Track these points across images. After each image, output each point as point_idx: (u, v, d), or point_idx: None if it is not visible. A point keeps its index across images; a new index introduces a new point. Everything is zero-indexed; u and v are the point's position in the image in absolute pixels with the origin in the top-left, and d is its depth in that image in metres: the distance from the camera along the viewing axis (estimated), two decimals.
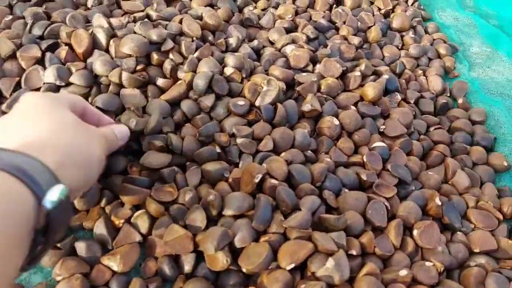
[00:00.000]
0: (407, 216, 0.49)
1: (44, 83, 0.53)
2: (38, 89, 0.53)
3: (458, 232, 0.50)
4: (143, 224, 0.46)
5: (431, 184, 0.55)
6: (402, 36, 0.78)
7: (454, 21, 0.87)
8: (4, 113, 0.51)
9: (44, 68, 0.54)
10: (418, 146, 0.58)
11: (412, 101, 0.65)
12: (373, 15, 0.79)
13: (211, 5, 0.72)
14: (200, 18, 0.66)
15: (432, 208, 0.51)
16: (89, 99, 0.53)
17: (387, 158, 0.55)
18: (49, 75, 0.53)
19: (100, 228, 0.45)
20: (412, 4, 0.86)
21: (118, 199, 0.47)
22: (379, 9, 0.82)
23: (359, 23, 0.76)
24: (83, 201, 0.46)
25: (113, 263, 0.43)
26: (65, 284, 0.41)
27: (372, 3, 0.83)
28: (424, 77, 0.71)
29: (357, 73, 0.63)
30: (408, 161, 0.56)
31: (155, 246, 0.45)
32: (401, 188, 0.53)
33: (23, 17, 0.60)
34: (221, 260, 0.43)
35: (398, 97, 0.64)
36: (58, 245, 0.43)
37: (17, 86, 0.53)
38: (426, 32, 0.81)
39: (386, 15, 0.81)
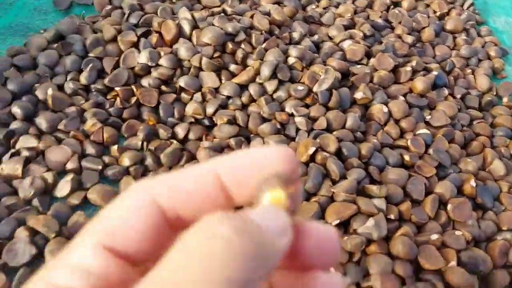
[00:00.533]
0: (443, 193, 0.55)
1: (138, 63, 0.64)
2: (132, 68, 0.64)
3: (489, 212, 0.56)
4: None
5: (469, 169, 0.60)
6: (454, 38, 0.82)
7: (507, 27, 0.90)
8: (106, 87, 0.62)
9: (139, 51, 0.65)
10: (460, 136, 0.64)
11: (458, 96, 0.71)
12: (428, 17, 0.84)
13: (278, 3, 0.81)
14: (268, 14, 0.75)
15: (467, 188, 0.56)
16: (174, 79, 0.64)
17: (429, 144, 0.61)
18: (142, 56, 0.64)
19: None
20: (467, 8, 0.90)
21: (195, 159, 0.57)
22: (435, 12, 0.87)
23: (414, 23, 0.81)
24: (167, 159, 0.56)
25: None
26: None
27: (428, 5, 0.89)
28: (472, 76, 0.75)
29: (408, 68, 0.70)
30: (449, 148, 0.62)
31: None
32: (440, 170, 0.59)
33: (121, 7, 0.72)
34: None
35: (446, 92, 0.70)
36: None
37: (117, 64, 0.64)
38: (479, 35, 0.85)
39: (441, 18, 0.86)
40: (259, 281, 0.12)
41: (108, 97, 0.63)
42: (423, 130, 0.62)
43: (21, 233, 0.47)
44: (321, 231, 0.15)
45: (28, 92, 0.59)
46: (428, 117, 0.65)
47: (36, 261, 0.47)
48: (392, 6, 0.86)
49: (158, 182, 0.15)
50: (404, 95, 0.67)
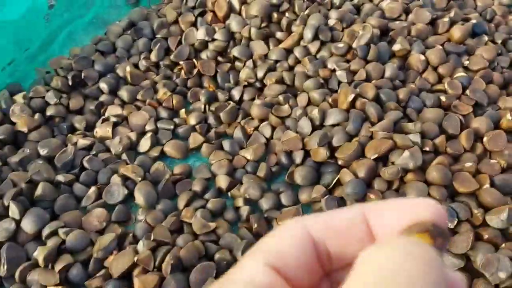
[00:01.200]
0: (478, 127, 0.59)
1: (197, 39, 0.74)
2: (192, 44, 0.74)
3: None
4: (266, 131, 0.64)
5: (507, 106, 0.63)
6: None
7: None
8: (172, 62, 0.73)
9: (197, 29, 0.75)
10: (499, 77, 0.67)
11: (499, 42, 0.73)
12: None
13: None
14: None
15: (504, 122, 0.60)
16: (228, 50, 0.73)
17: (467, 85, 0.65)
18: (200, 33, 0.74)
19: (237, 134, 0.64)
20: None
21: (249, 115, 0.66)
22: None
23: None
24: (226, 117, 0.66)
25: (248, 154, 0.62)
26: (217, 165, 0.61)
27: None
28: None
29: (446, 19, 0.73)
30: (487, 88, 0.65)
31: (275, 145, 0.63)
32: (477, 109, 0.63)
33: None
34: (322, 153, 0.58)
35: (485, 38, 0.72)
36: (212, 142, 0.63)
37: (179, 42, 0.75)
38: None
39: None
40: None
41: (175, 70, 0.74)
42: (461, 74, 0.66)
43: (115, 179, 0.59)
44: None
45: (111, 71, 0.72)
46: (466, 62, 0.69)
47: (128, 199, 0.59)
48: None
49: (314, 218, 0.17)
50: (442, 44, 0.70)
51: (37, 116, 0.65)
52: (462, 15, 0.75)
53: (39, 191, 0.56)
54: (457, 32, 0.70)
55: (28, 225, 0.54)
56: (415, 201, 0.16)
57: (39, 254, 0.52)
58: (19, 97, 0.67)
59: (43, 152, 0.61)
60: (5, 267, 0.51)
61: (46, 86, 0.69)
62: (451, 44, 0.70)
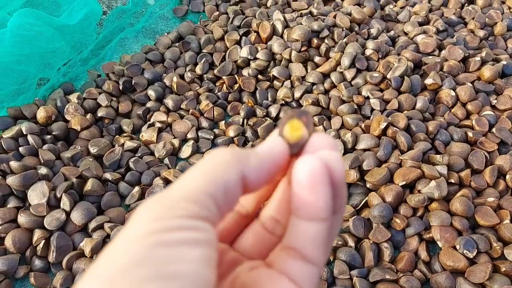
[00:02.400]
0: (502, 165, 0.63)
1: (240, 57, 0.79)
2: (235, 61, 0.79)
3: None
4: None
5: None
6: None
7: None
8: (216, 76, 0.78)
9: (241, 47, 0.80)
10: None
11: None
12: (502, 13, 0.90)
13: (359, 4, 0.92)
14: (350, 14, 0.86)
15: None
16: (268, 70, 0.78)
17: (493, 124, 0.69)
18: (243, 51, 0.79)
19: None
20: None
21: None
22: (509, 8, 0.92)
23: (487, 19, 0.88)
24: (263, 132, 0.70)
25: None
26: None
27: (503, 2, 0.94)
28: None
29: (477, 58, 0.77)
30: None
31: None
32: (502, 147, 0.66)
33: (226, 13, 0.88)
34: (352, 175, 0.62)
35: None
36: None
37: (223, 58, 0.80)
38: None
39: None
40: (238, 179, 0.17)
41: (217, 84, 0.78)
42: (488, 112, 0.70)
43: (158, 181, 0.64)
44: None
45: (159, 79, 0.77)
46: (494, 101, 0.72)
47: None
48: (466, 4, 0.92)
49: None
50: (472, 82, 0.74)
51: (89, 116, 0.70)
52: (493, 55, 0.79)
53: (88, 186, 0.61)
54: (487, 71, 0.74)
55: (77, 217, 0.58)
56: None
57: (86, 244, 0.56)
58: (73, 97, 0.72)
59: (93, 150, 0.66)
60: (54, 254, 0.56)
61: (97, 89, 0.74)
62: (481, 83, 0.74)
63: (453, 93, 0.71)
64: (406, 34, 0.85)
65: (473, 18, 0.88)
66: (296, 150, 0.19)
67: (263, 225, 0.21)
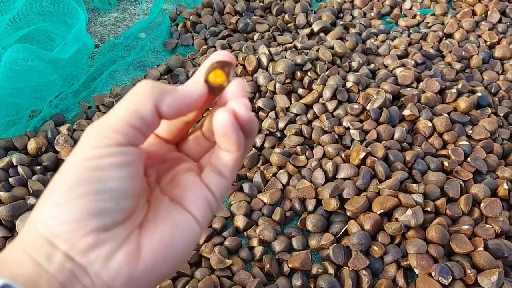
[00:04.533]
0: (477, 194, 0.65)
1: None
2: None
3: None
4: (283, 178, 0.70)
5: (505, 175, 0.69)
6: (503, 64, 0.91)
7: None
8: None
9: None
10: (499, 148, 0.73)
11: (501, 115, 0.79)
12: (478, 47, 0.94)
13: (341, 38, 0.96)
14: (332, 47, 0.90)
15: (501, 190, 0.66)
16: (253, 101, 0.81)
17: (469, 153, 0.71)
18: None
19: (257, 178, 0.71)
20: None
21: (269, 162, 0.73)
22: (485, 41, 0.96)
23: (463, 52, 0.92)
24: (247, 161, 0.72)
25: (265, 198, 0.68)
26: (236, 205, 0.67)
27: (479, 36, 0.98)
28: None
29: (454, 90, 0.80)
30: (487, 158, 0.71)
31: (290, 192, 0.69)
32: (477, 176, 0.69)
33: (214, 46, 0.92)
34: (333, 204, 0.64)
35: (489, 110, 0.79)
36: (233, 184, 0.70)
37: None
38: None
39: (491, 47, 0.95)
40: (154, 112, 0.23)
41: (204, 114, 0.81)
42: (464, 142, 0.72)
43: None
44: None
45: None
46: (469, 132, 0.75)
47: None
48: (444, 38, 0.97)
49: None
50: (448, 113, 0.77)
51: None
52: (469, 87, 0.82)
53: None
54: (463, 103, 0.77)
55: None
56: (212, 56, 0.25)
57: None
58: (63, 128, 0.74)
59: None
60: None
61: (87, 120, 0.77)
62: (457, 114, 0.77)
63: (430, 124, 0.74)
64: (386, 67, 0.89)
65: (450, 52, 0.92)
66: (218, 92, 0.24)
67: (203, 133, 0.28)
